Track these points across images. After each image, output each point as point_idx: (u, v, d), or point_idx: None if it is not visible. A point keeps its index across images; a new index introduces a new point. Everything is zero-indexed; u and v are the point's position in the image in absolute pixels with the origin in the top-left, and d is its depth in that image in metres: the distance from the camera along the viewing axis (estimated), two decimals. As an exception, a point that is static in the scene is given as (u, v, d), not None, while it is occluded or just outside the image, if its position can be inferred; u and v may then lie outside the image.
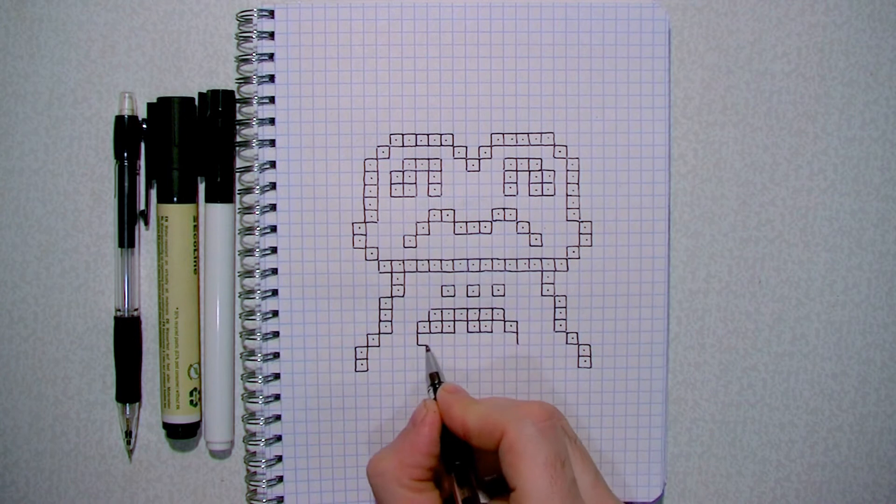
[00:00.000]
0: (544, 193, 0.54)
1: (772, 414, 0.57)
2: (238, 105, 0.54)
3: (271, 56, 0.53)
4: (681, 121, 0.56)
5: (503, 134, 0.54)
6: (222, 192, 0.54)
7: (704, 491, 0.57)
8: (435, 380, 0.51)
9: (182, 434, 0.55)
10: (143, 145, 0.55)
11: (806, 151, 0.56)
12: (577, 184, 0.54)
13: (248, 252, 0.54)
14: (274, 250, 0.54)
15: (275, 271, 0.54)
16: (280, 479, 0.55)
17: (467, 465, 0.48)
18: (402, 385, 0.55)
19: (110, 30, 0.55)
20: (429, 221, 0.54)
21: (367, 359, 0.54)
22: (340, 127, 0.54)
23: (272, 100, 0.54)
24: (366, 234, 0.54)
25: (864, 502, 0.57)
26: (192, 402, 0.54)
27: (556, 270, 0.55)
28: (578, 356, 0.55)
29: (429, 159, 0.54)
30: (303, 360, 0.54)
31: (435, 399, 0.49)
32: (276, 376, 0.54)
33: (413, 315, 0.54)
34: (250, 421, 0.54)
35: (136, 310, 0.55)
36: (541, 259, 0.55)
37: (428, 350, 0.54)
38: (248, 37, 0.54)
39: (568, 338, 0.55)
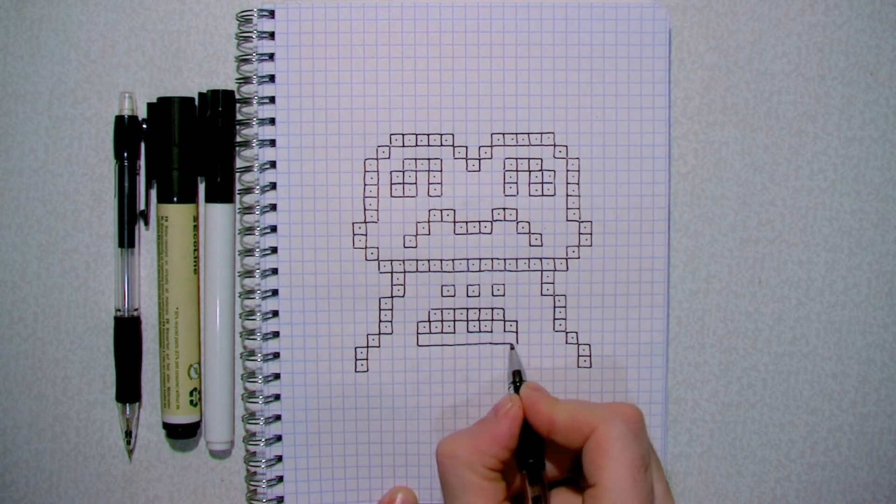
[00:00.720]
0: (544, 193, 0.54)
1: (772, 414, 0.57)
2: (238, 105, 0.54)
3: (271, 56, 0.53)
4: (681, 121, 0.56)
5: (503, 134, 0.54)
6: (222, 192, 0.54)
7: (704, 491, 0.57)
8: (517, 377, 0.51)
9: (182, 434, 0.55)
10: (143, 145, 0.55)
11: (806, 151, 0.56)
12: (577, 184, 0.55)
13: (248, 252, 0.54)
14: (274, 250, 0.54)
15: (275, 271, 0.54)
16: (280, 479, 0.55)
17: (539, 465, 0.48)
18: (403, 385, 0.55)
19: (110, 30, 0.55)
20: (429, 221, 0.54)
21: (367, 359, 0.54)
22: (340, 127, 0.54)
23: (272, 100, 0.54)
24: (366, 234, 0.54)
25: (864, 502, 0.57)
26: (192, 402, 0.54)
27: (556, 270, 0.55)
28: (578, 356, 0.55)
29: (429, 159, 0.54)
30: (303, 360, 0.54)
31: (517, 395, 0.49)
32: (276, 376, 0.54)
33: (413, 315, 0.54)
34: (250, 421, 0.54)
35: (136, 310, 0.55)
36: (541, 259, 0.55)
37: (512, 348, 0.54)
38: (248, 37, 0.54)
39: (568, 338, 0.55)
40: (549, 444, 0.48)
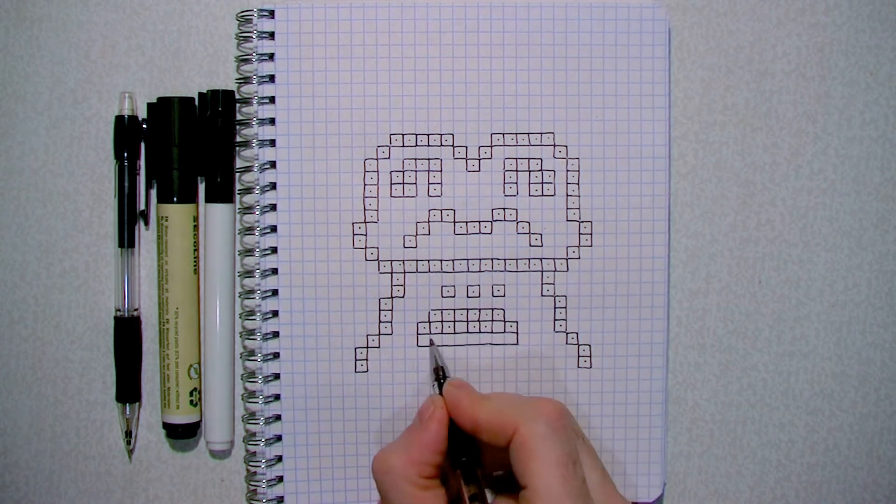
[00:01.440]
0: (544, 193, 0.54)
1: (772, 414, 0.57)
2: (238, 105, 0.54)
3: (271, 56, 0.53)
4: (681, 121, 0.56)
5: (503, 134, 0.54)
6: (222, 192, 0.54)
7: (704, 491, 0.57)
8: (440, 374, 0.51)
9: (182, 434, 0.55)
10: (143, 145, 0.55)
11: (806, 151, 0.56)
12: (577, 184, 0.54)
13: (248, 252, 0.54)
14: (274, 250, 0.54)
15: (275, 271, 0.54)
16: (280, 479, 0.55)
17: (473, 462, 0.47)
18: (402, 385, 0.55)
19: (110, 30, 0.55)
20: (429, 221, 0.54)
21: (367, 359, 0.54)
22: (340, 127, 0.54)
23: (272, 100, 0.54)
24: (366, 234, 0.54)
25: (864, 502, 0.57)
26: (192, 402, 0.54)
27: (556, 270, 0.55)
28: (578, 356, 0.55)
29: (429, 159, 0.54)
30: (303, 360, 0.54)
31: (440, 394, 0.49)
32: (276, 376, 0.54)
33: (413, 315, 0.54)
34: (250, 421, 0.54)
35: (136, 310, 0.55)
36: (541, 259, 0.55)
37: (432, 343, 0.54)
38: (248, 37, 0.54)
39: (568, 338, 0.55)
40: (483, 442, 0.48)
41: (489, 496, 0.48)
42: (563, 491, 0.43)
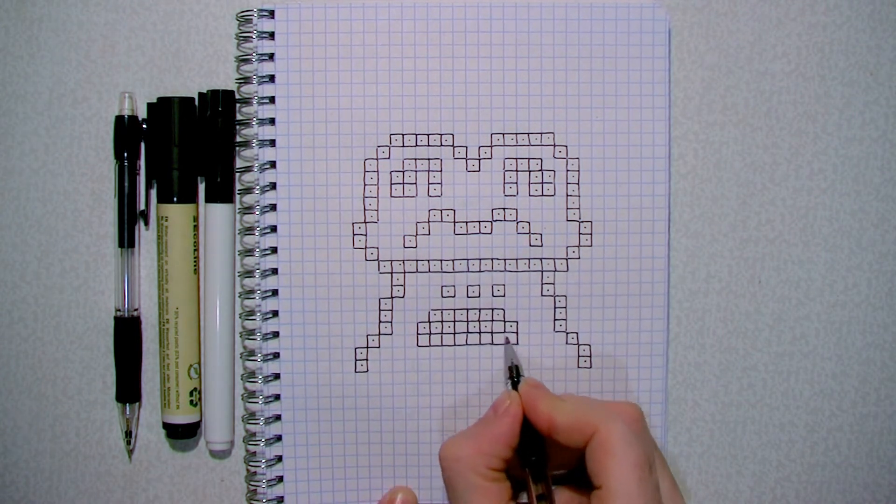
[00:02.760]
0: (544, 193, 0.54)
1: (772, 414, 0.57)
2: (238, 105, 0.54)
3: (271, 56, 0.53)
4: (681, 121, 0.56)
5: (503, 134, 0.54)
6: (222, 192, 0.54)
7: (704, 491, 0.57)
8: (514, 373, 0.51)
9: (182, 434, 0.55)
10: (143, 145, 0.55)
11: (806, 151, 0.56)
12: (577, 184, 0.55)
13: (248, 252, 0.54)
14: (274, 250, 0.54)
15: (275, 271, 0.54)
16: (280, 479, 0.55)
17: (542, 461, 0.48)
18: (402, 386, 0.55)
19: (110, 30, 0.55)
20: (429, 221, 0.54)
21: (367, 359, 0.54)
22: (340, 127, 0.54)
23: (272, 100, 0.54)
24: (366, 235, 0.54)
25: (864, 502, 0.57)
26: (192, 402, 0.54)
27: (556, 270, 0.55)
28: (578, 356, 0.55)
29: (429, 159, 0.54)
30: (303, 360, 0.54)
31: (516, 391, 0.49)
32: (276, 376, 0.54)
33: (413, 316, 0.54)
34: (250, 421, 0.54)
35: (136, 310, 0.55)
36: (541, 259, 0.55)
37: (507, 342, 0.54)
38: (248, 37, 0.54)
39: (568, 338, 0.55)
40: (551, 440, 0.48)
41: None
42: (639, 493, 0.43)
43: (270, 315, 0.54)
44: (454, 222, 0.54)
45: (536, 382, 0.49)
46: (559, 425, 0.47)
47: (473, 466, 0.47)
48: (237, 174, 0.54)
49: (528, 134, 0.54)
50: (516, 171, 0.54)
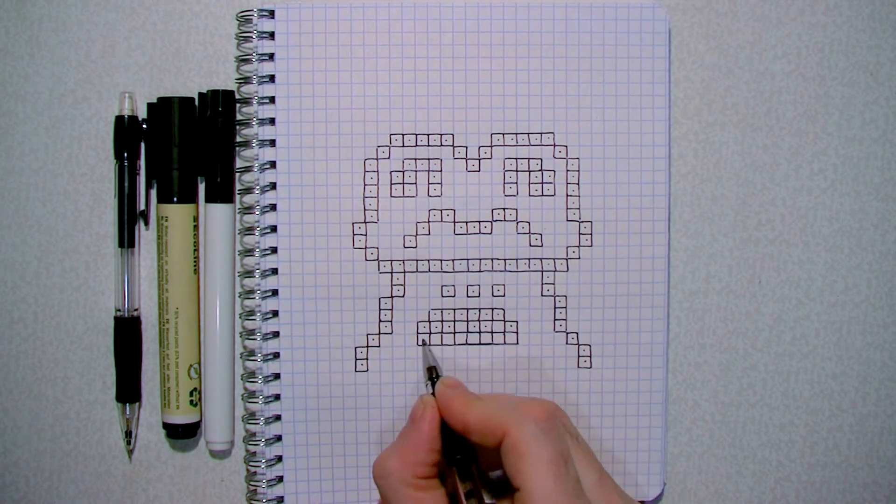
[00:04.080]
0: (544, 193, 0.54)
1: (772, 414, 0.57)
2: (238, 105, 0.54)
3: (271, 56, 0.53)
4: (681, 121, 0.56)
5: (503, 134, 0.54)
6: (222, 192, 0.54)
7: (704, 491, 0.57)
8: (433, 374, 0.51)
9: (182, 434, 0.55)
10: (143, 145, 0.55)
11: (806, 151, 0.56)
12: (577, 184, 0.55)
13: (248, 252, 0.54)
14: (274, 250, 0.54)
15: (275, 271, 0.54)
16: (280, 479, 0.55)
17: (468, 459, 0.48)
18: (403, 385, 0.55)
19: (110, 30, 0.55)
20: (429, 221, 0.54)
21: (367, 359, 0.54)
22: (340, 127, 0.54)
23: (272, 100, 0.54)
24: (366, 235, 0.54)
25: (864, 502, 0.57)
26: (192, 402, 0.54)
27: (556, 270, 0.55)
28: (578, 356, 0.55)
29: (429, 159, 0.54)
30: (303, 360, 0.54)
31: (433, 394, 0.49)
32: (276, 376, 0.54)
33: (413, 315, 0.54)
34: (250, 421, 0.54)
35: (136, 310, 0.55)
36: (541, 259, 0.55)
37: (425, 344, 0.54)
38: (248, 37, 0.54)
39: (568, 338, 0.55)
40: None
41: (487, 499, 0.48)
42: (556, 490, 0.43)
43: (270, 315, 0.54)
44: (454, 222, 0.54)
45: (454, 382, 0.49)
46: (471, 426, 0.46)
47: (402, 478, 0.47)
48: (237, 174, 0.54)
49: (528, 134, 0.54)
50: (516, 171, 0.54)
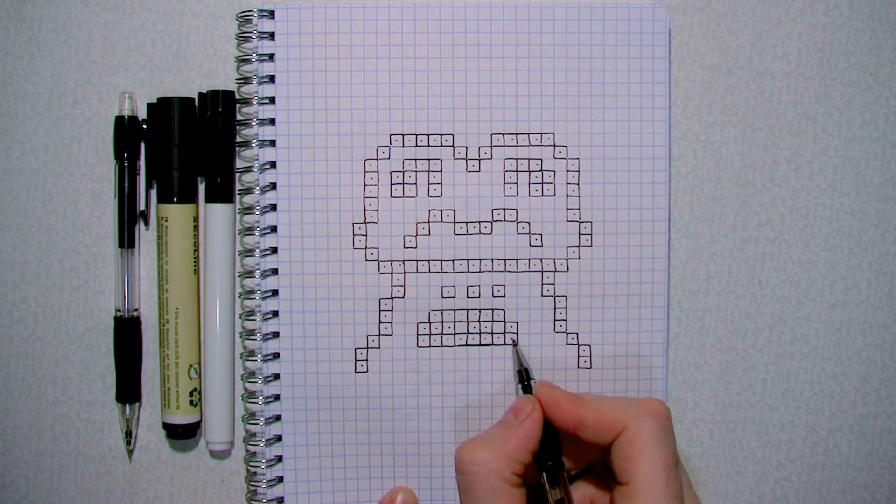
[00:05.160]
0: (544, 194, 0.54)
1: (772, 414, 0.57)
2: (238, 105, 0.54)
3: (271, 56, 0.53)
4: (681, 121, 0.56)
5: (503, 134, 0.54)
6: (222, 192, 0.54)
7: (704, 491, 0.57)
8: (524, 376, 0.51)
9: (182, 434, 0.55)
10: (143, 145, 0.55)
11: (806, 151, 0.56)
12: (577, 184, 0.54)
13: (248, 252, 0.54)
14: (274, 250, 0.54)
15: (275, 271, 0.54)
16: (280, 479, 0.55)
17: (558, 466, 0.48)
18: (403, 386, 0.55)
19: (110, 30, 0.55)
20: (429, 222, 0.54)
21: (367, 360, 0.54)
22: (340, 127, 0.54)
23: (272, 100, 0.54)
24: (366, 235, 0.54)
25: (864, 502, 0.57)
26: (192, 402, 0.54)
27: (556, 271, 0.55)
28: (578, 356, 0.55)
29: (429, 159, 0.54)
30: (303, 360, 0.54)
31: (527, 395, 0.49)
32: (276, 377, 0.54)
33: (413, 316, 0.54)
34: (250, 421, 0.54)
35: (136, 310, 0.55)
36: (541, 259, 0.55)
37: (515, 344, 0.54)
38: (249, 37, 0.54)
39: (568, 338, 0.55)
40: (564, 439, 0.48)
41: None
42: (666, 492, 0.44)
43: (270, 315, 0.54)
44: (454, 222, 0.54)
45: (551, 383, 0.50)
46: (587, 421, 0.46)
47: (498, 470, 0.46)
48: (237, 174, 0.54)
49: (528, 134, 0.54)
50: (516, 171, 0.54)
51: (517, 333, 0.55)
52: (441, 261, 0.54)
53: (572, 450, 0.48)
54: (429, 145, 0.54)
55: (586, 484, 0.50)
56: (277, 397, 0.54)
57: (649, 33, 0.54)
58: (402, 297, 0.54)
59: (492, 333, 0.55)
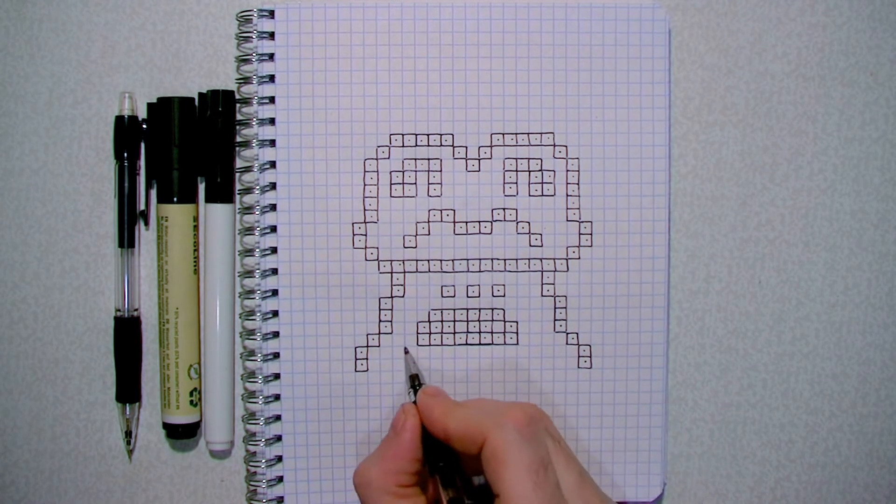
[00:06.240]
0: (544, 193, 0.54)
1: (772, 414, 0.57)
2: (238, 105, 0.54)
3: (271, 56, 0.53)
4: (681, 121, 0.56)
5: (503, 134, 0.54)
6: (222, 192, 0.54)
7: (704, 491, 0.57)
8: (415, 382, 0.51)
9: (182, 434, 0.55)
10: (143, 145, 0.55)
11: (806, 151, 0.56)
12: (577, 184, 0.54)
13: (248, 252, 0.54)
14: (274, 250, 0.54)
15: (275, 271, 0.54)
16: (280, 479, 0.55)
17: (451, 466, 0.48)
18: (403, 385, 0.55)
19: (110, 30, 0.55)
20: (429, 221, 0.54)
21: (367, 359, 0.54)
22: (340, 127, 0.54)
23: (272, 100, 0.54)
24: (366, 234, 0.54)
25: (864, 502, 0.57)
26: (192, 402, 0.54)
27: (556, 270, 0.55)
28: (578, 356, 0.55)
29: (429, 159, 0.54)
30: (303, 360, 0.54)
31: (414, 402, 0.49)
32: (276, 376, 0.54)
33: (413, 315, 0.54)
34: (250, 421, 0.54)
35: (136, 310, 0.55)
36: (541, 259, 0.55)
37: (407, 352, 0.54)
38: (248, 37, 0.54)
39: (568, 338, 0.55)
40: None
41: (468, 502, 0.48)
42: (536, 497, 0.43)
43: (270, 315, 0.54)
44: (454, 222, 0.54)
45: (435, 390, 0.49)
46: (452, 433, 0.46)
47: (383, 487, 0.47)
48: (237, 174, 0.54)
49: (528, 134, 0.54)
50: (516, 171, 0.54)
51: (517, 333, 0.55)
52: (441, 260, 0.54)
53: (469, 457, 0.48)
54: (429, 145, 0.54)
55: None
56: (277, 397, 0.54)
57: (649, 33, 0.54)
58: (402, 297, 0.54)
59: (491, 333, 0.55)
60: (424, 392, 0.49)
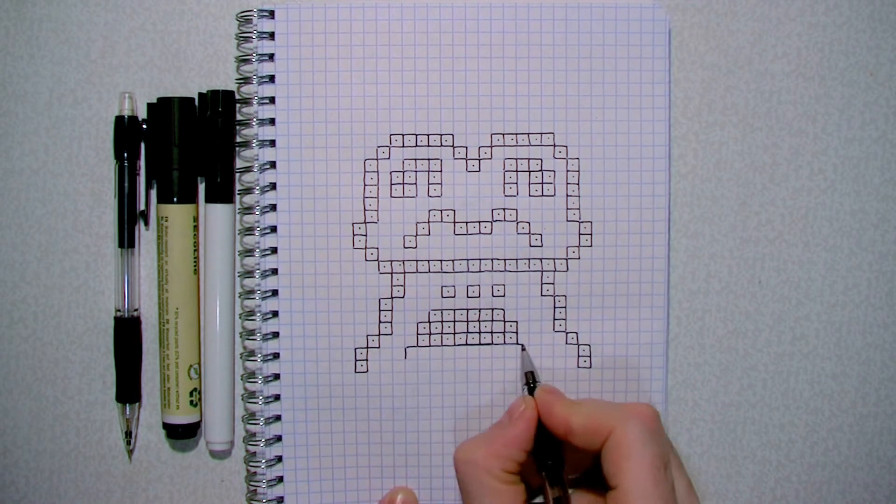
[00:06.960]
0: (544, 194, 0.54)
1: (772, 414, 0.57)
2: (238, 105, 0.54)
3: (271, 56, 0.53)
4: (681, 121, 0.56)
5: (503, 134, 0.54)
6: (222, 192, 0.54)
7: (704, 491, 0.57)
8: (530, 378, 0.51)
9: (182, 434, 0.55)
10: (143, 145, 0.55)
11: (806, 151, 0.56)
12: (577, 184, 0.55)
13: (248, 252, 0.54)
14: (274, 251, 0.54)
15: (275, 272, 0.54)
16: (280, 479, 0.55)
17: (559, 465, 0.48)
18: (402, 386, 0.55)
19: (110, 30, 0.55)
20: (429, 222, 0.54)
21: (366, 360, 0.54)
22: (340, 127, 0.54)
23: (272, 100, 0.54)
24: (366, 235, 0.54)
25: (864, 502, 0.57)
26: (192, 402, 0.54)
27: (556, 270, 0.55)
28: (578, 356, 0.55)
29: (429, 159, 0.54)
30: (303, 360, 0.54)
31: (532, 396, 0.50)
32: (276, 377, 0.54)
33: (413, 316, 0.54)
34: (250, 421, 0.54)
35: (136, 310, 0.55)
36: (541, 259, 0.55)
37: (524, 349, 0.54)
38: (248, 37, 0.54)
39: (568, 338, 0.55)
40: (567, 444, 0.48)
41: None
42: (655, 493, 0.44)
43: (270, 315, 0.54)
44: (454, 222, 0.54)
45: (552, 388, 0.50)
46: (575, 428, 0.47)
47: (487, 468, 0.47)
48: (237, 174, 0.54)
49: (528, 134, 0.54)
50: (516, 171, 0.54)
51: (517, 333, 0.55)
52: (441, 261, 0.54)
53: (572, 455, 0.49)
54: (429, 145, 0.54)
55: (584, 492, 0.50)
56: (277, 397, 0.54)
57: (649, 33, 0.54)
58: (402, 297, 0.54)
59: (491, 333, 0.55)
60: (543, 389, 0.50)
